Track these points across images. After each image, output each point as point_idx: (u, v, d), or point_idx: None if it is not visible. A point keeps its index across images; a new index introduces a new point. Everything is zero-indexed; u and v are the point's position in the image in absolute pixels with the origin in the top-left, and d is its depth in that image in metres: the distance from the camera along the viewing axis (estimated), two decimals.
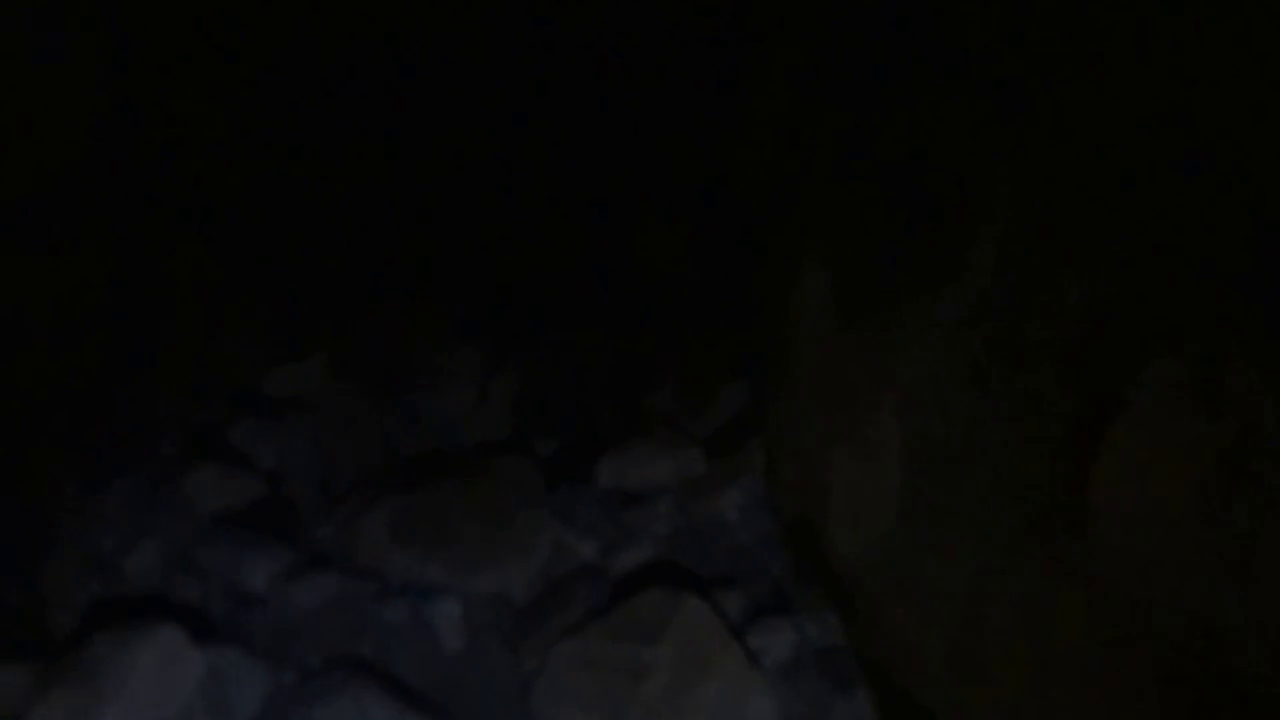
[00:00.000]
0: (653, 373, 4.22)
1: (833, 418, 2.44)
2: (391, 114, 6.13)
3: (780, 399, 2.90)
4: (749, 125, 4.18)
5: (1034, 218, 1.68)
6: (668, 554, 3.16)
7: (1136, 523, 1.43)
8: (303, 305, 5.02)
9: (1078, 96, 1.64)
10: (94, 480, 3.48)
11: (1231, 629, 1.38)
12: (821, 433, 2.49)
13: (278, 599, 3.08)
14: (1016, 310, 1.71)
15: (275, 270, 5.26)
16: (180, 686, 2.47)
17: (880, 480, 2.15)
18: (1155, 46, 1.54)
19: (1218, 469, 1.33)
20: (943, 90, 2.02)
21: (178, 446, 3.84)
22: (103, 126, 4.33)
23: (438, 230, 5.72)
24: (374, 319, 5.00)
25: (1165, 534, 1.41)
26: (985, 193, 1.91)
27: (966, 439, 1.81)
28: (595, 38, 5.59)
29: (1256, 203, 1.33)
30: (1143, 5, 1.54)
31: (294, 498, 3.70)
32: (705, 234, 4.64)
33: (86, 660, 2.42)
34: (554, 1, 5.64)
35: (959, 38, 2.00)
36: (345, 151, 6.15)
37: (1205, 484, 1.35)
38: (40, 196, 3.81)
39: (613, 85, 5.54)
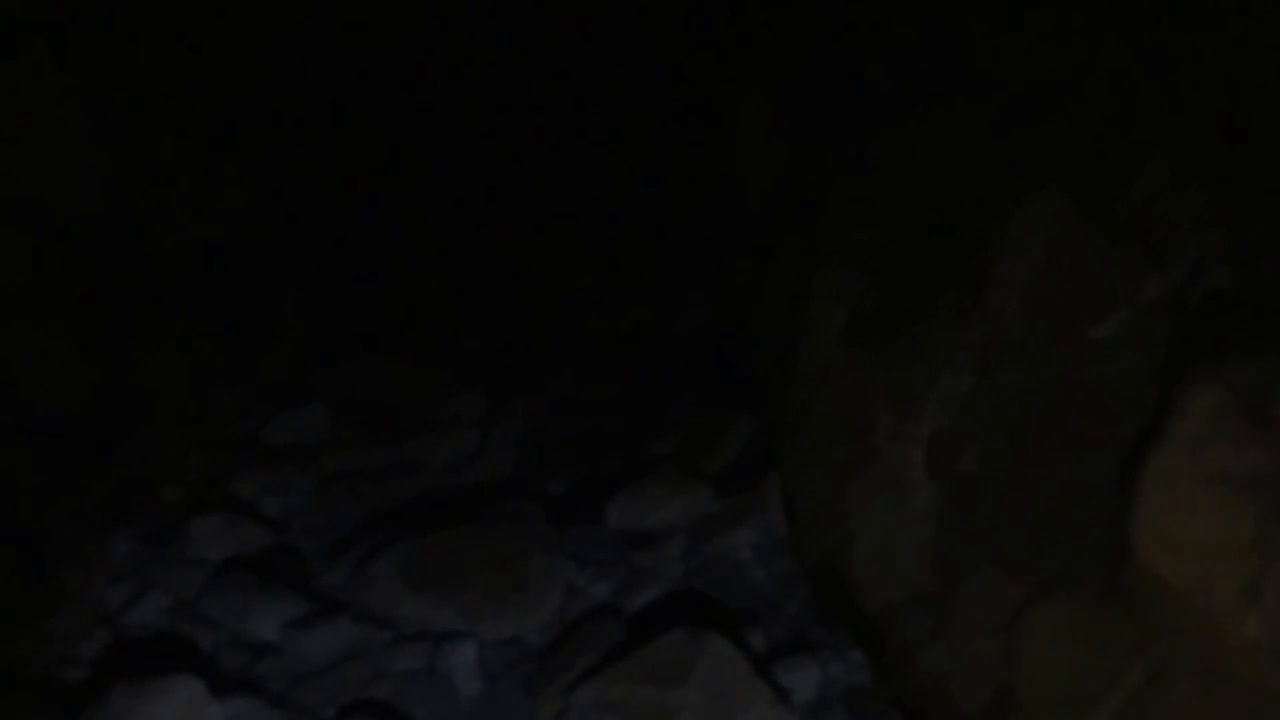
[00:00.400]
0: (657, 411, 4.22)
1: (853, 455, 2.44)
2: (387, 157, 6.16)
3: (795, 436, 2.91)
4: (752, 158, 4.22)
5: (1060, 251, 1.71)
6: (681, 594, 3.14)
7: (1181, 552, 1.44)
8: (301, 353, 5.01)
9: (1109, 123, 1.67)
10: (97, 532, 3.44)
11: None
12: (842, 470, 2.50)
13: (289, 648, 3.04)
14: (1048, 346, 1.72)
15: (273, 319, 5.26)
16: None
17: (908, 518, 2.16)
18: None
19: (1266, 496, 1.34)
20: (961, 120, 2.06)
21: (180, 497, 3.81)
22: (97, 181, 4.34)
23: (435, 273, 5.74)
24: (373, 364, 4.99)
25: (1211, 563, 1.41)
26: (1005, 228, 1.93)
27: (1003, 476, 1.82)
28: (601, 65, 5.64)
29: None
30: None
31: (299, 545, 3.67)
32: (708, 269, 4.67)
33: (104, 715, 2.38)
34: (558, 34, 5.68)
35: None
36: (340, 198, 6.18)
37: (1254, 512, 1.36)
38: (38, 254, 3.81)
39: (615, 120, 5.59)
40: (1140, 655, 1.55)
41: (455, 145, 6.42)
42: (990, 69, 2.22)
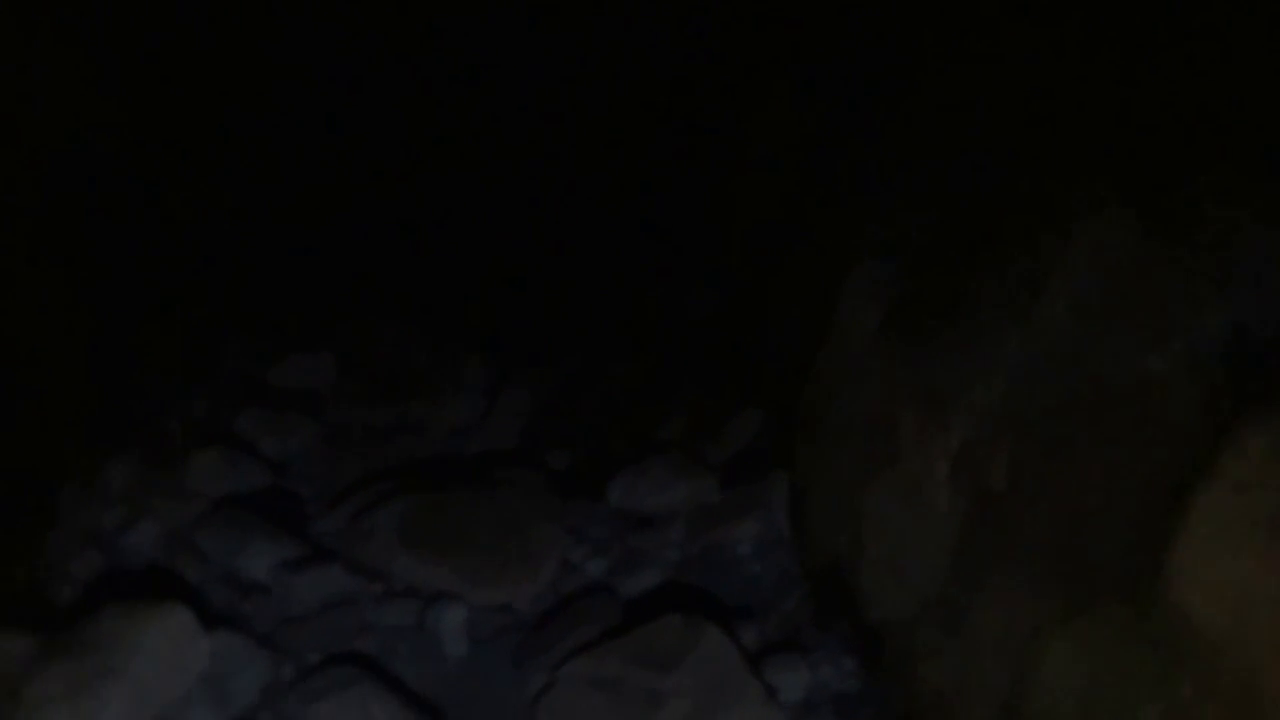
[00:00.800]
0: (663, 397, 4.20)
1: (874, 457, 2.42)
2: (403, 122, 6.12)
3: (812, 432, 2.89)
4: (772, 147, 4.18)
5: (1123, 272, 1.68)
6: (677, 580, 3.12)
7: (1219, 596, 1.41)
8: (314, 301, 4.98)
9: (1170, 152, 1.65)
10: (96, 458, 3.42)
11: None
12: (860, 471, 2.48)
13: (279, 589, 3.02)
14: (1095, 366, 1.70)
15: (287, 266, 5.23)
16: (185, 670, 2.42)
17: (926, 525, 2.13)
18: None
19: None
20: (1017, 119, 2.03)
21: (182, 430, 3.79)
22: (114, 124, 4.29)
23: (450, 240, 5.71)
24: (384, 322, 4.97)
25: (1251, 611, 1.39)
26: (1060, 244, 1.91)
27: (1030, 492, 1.80)
28: (616, 53, 5.59)
29: None
30: None
31: (297, 490, 3.66)
32: (720, 259, 4.64)
33: (92, 634, 2.36)
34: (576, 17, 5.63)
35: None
36: (363, 153, 6.14)
37: None
38: (48, 185, 3.78)
39: (634, 99, 5.55)
40: (1161, 693, 1.53)
41: (476, 120, 6.38)
42: (1042, 67, 2.18)
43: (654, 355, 4.55)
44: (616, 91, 5.86)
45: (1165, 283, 1.56)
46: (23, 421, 3.18)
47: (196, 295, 4.55)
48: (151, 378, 3.93)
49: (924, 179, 2.51)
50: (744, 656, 2.50)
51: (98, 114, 4.02)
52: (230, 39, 5.34)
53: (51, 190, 3.60)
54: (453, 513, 3.29)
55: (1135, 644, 1.55)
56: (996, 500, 1.89)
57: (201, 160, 4.91)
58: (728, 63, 4.99)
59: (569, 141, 6.18)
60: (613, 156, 5.89)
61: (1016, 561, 1.80)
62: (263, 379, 4.32)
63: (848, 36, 3.64)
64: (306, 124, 5.91)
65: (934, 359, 2.20)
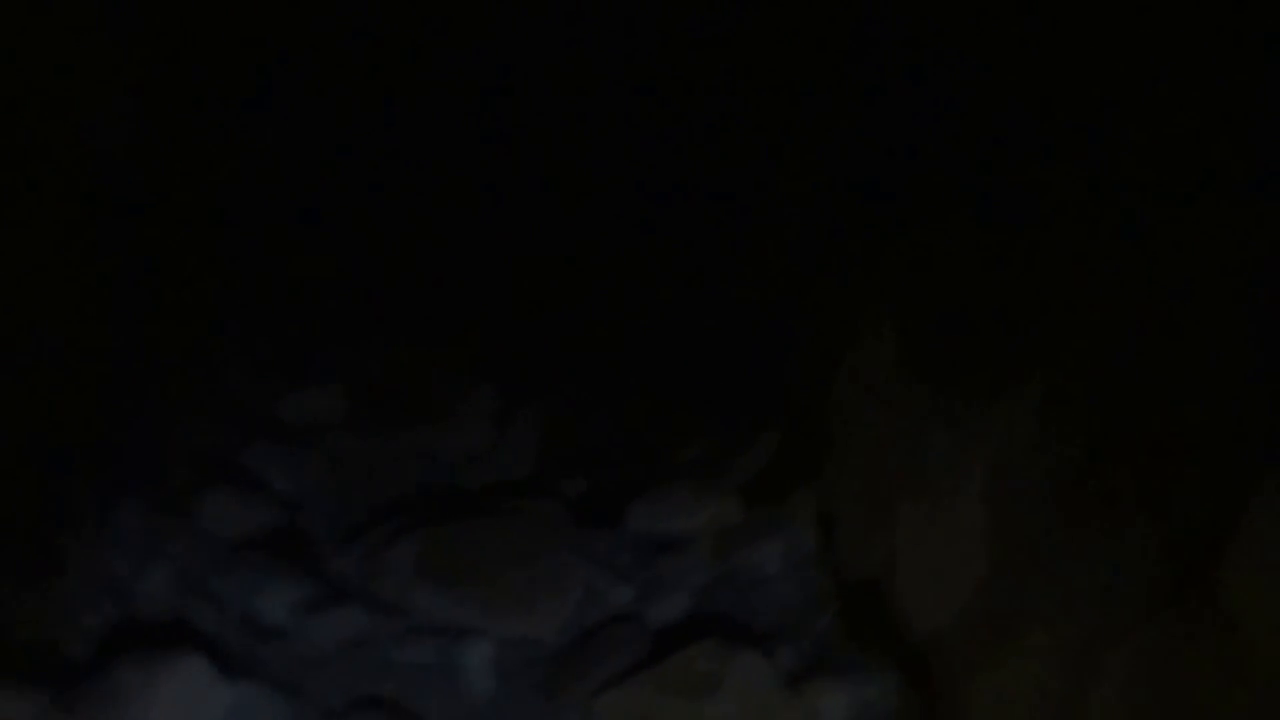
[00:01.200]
0: (682, 417, 4.13)
1: (904, 474, 2.35)
2: (415, 147, 6.08)
3: (836, 452, 2.81)
4: (794, 174, 4.13)
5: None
6: (705, 605, 3.04)
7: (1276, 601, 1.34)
8: (320, 333, 4.91)
9: None
10: (104, 502, 3.34)
11: None
12: (890, 490, 2.40)
13: (297, 632, 2.94)
14: (1127, 395, 1.64)
15: (293, 299, 5.16)
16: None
17: (962, 543, 2.06)
18: None
19: None
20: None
21: (191, 470, 3.71)
22: (120, 151, 4.24)
23: (458, 265, 5.65)
24: (391, 351, 4.90)
25: None
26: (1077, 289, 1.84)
27: (1073, 511, 1.73)
28: (641, 74, 5.54)
29: None
30: None
31: (311, 527, 3.57)
32: (738, 277, 4.57)
33: (107, 687, 2.29)
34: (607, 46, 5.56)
35: None
36: (367, 181, 6.09)
37: None
38: (57, 222, 3.73)
39: (654, 125, 5.50)
40: (1218, 706, 1.45)
41: (485, 138, 6.33)
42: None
43: (672, 374, 4.48)
44: (628, 103, 5.81)
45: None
46: (27, 466, 3.11)
47: (200, 327, 4.49)
48: (158, 415, 3.85)
49: (948, 198, 2.45)
50: (783, 679, 2.42)
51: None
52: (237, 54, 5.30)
53: (59, 228, 3.55)
54: (471, 544, 3.22)
55: (1191, 656, 1.47)
56: (1037, 515, 1.82)
57: (204, 191, 4.86)
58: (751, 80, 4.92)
59: (580, 153, 6.11)
60: (624, 170, 5.82)
61: (1061, 578, 1.72)
62: (271, 411, 4.24)
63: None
64: (311, 145, 5.86)
65: (958, 382, 2.14)
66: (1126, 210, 1.89)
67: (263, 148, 5.51)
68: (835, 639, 2.78)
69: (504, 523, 3.35)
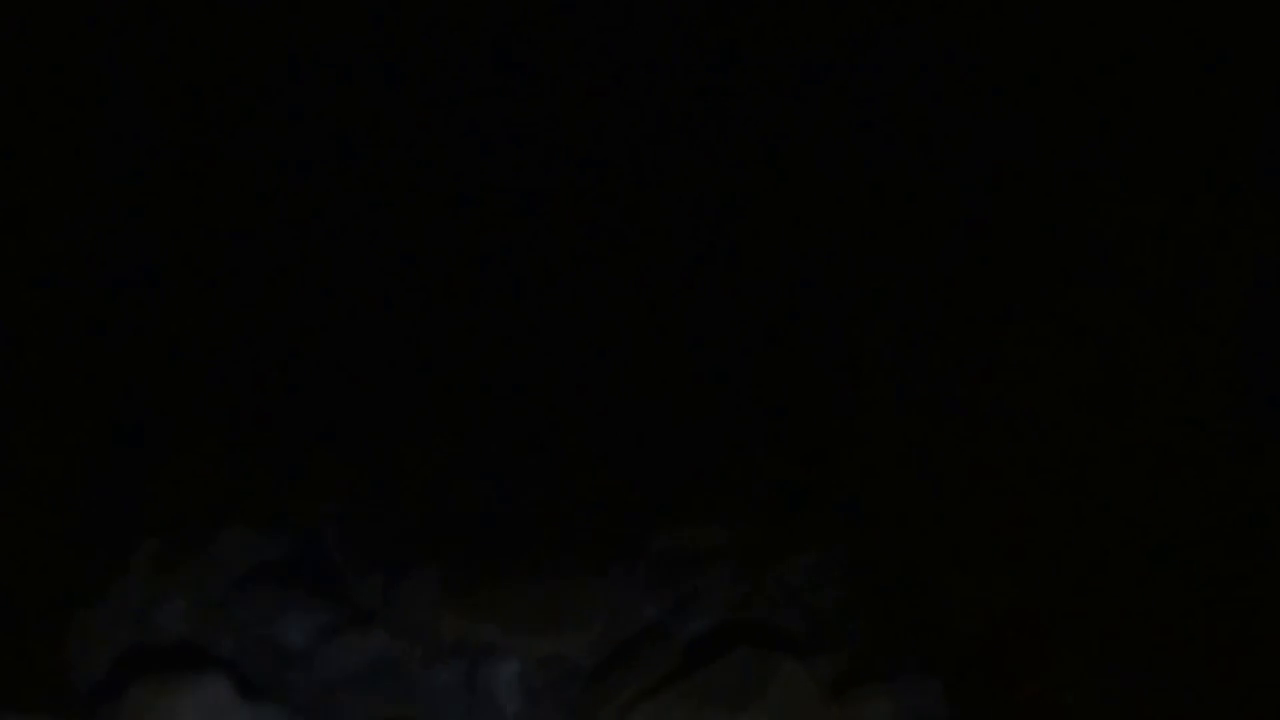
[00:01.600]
0: (702, 433, 4.06)
1: (939, 475, 2.27)
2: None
3: (865, 459, 2.74)
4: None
5: None
6: (736, 617, 2.96)
7: None
8: (343, 370, 4.86)
9: None
10: (122, 532, 3.29)
11: None
12: (924, 491, 2.32)
13: (320, 656, 2.87)
14: None
15: (305, 342, 5.12)
16: None
17: (1004, 537, 1.98)
18: None
19: None
20: None
21: (211, 498, 3.66)
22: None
23: (474, 305, 5.60)
24: (412, 388, 4.84)
25: None
26: None
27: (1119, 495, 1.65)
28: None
29: None
30: None
31: (332, 554, 3.51)
32: (750, 295, 4.51)
33: (125, 710, 2.21)
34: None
35: None
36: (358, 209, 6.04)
37: None
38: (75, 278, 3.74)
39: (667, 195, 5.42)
40: None
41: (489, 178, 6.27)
42: None
43: (690, 392, 4.41)
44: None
45: None
46: (48, 499, 3.08)
47: (218, 360, 4.46)
48: (177, 447, 3.81)
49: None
50: (825, 688, 2.33)
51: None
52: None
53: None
54: (495, 565, 3.15)
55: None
56: (1076, 503, 1.74)
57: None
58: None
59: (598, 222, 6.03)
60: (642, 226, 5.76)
61: (1111, 565, 1.64)
62: (290, 442, 4.19)
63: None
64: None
65: (979, 352, 2.07)
66: None
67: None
68: (875, 647, 2.70)
69: (529, 542, 3.28)
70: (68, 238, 3.80)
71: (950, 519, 2.26)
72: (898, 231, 3.32)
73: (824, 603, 2.96)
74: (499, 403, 4.49)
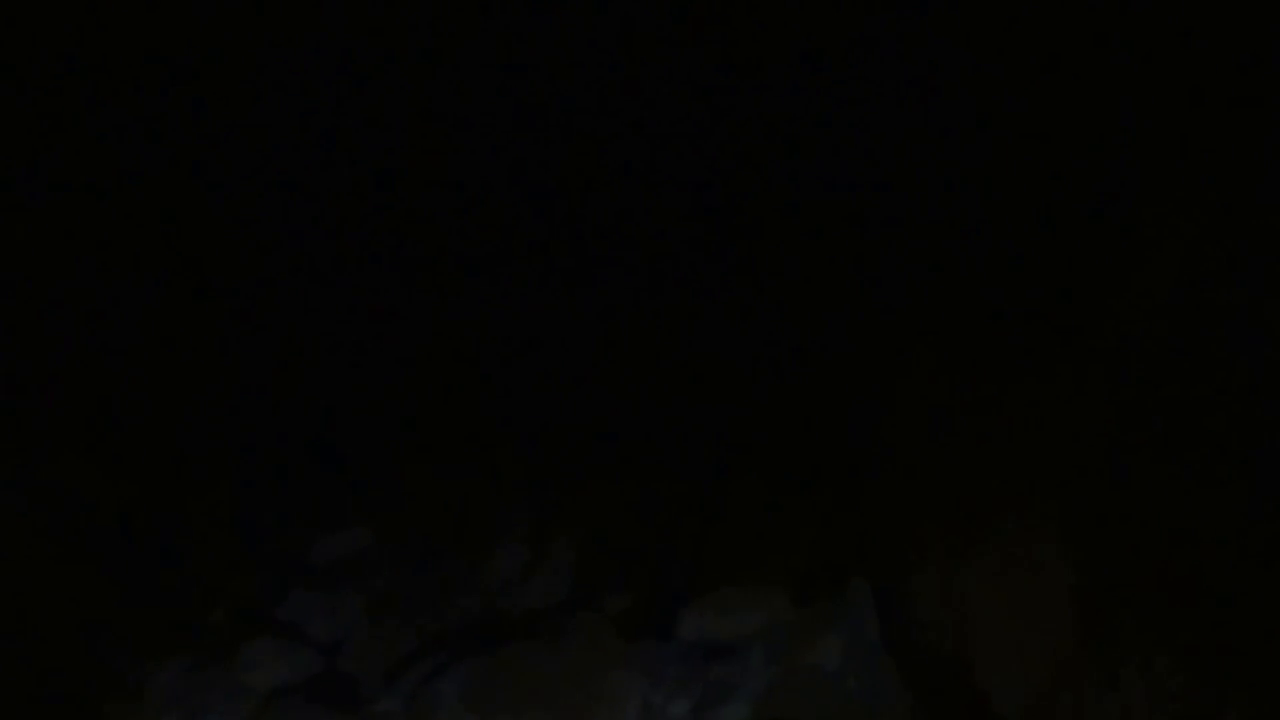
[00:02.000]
0: (722, 515, 4.02)
1: (969, 534, 2.24)
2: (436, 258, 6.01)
3: (892, 534, 2.71)
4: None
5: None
6: (766, 709, 2.91)
7: None
8: (347, 470, 4.86)
9: None
10: (144, 657, 3.27)
11: None
12: (955, 566, 2.29)
13: None
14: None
15: (319, 437, 5.13)
16: None
17: (1043, 609, 1.95)
18: None
19: None
20: None
21: (227, 619, 3.64)
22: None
23: (480, 387, 5.60)
24: (419, 480, 4.83)
25: None
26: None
27: (1162, 553, 1.63)
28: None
29: None
30: None
31: (352, 670, 3.47)
32: (764, 362, 4.50)
33: None
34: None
35: None
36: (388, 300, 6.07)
37: None
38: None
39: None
40: None
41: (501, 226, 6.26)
42: None
43: (705, 474, 4.38)
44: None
45: None
46: (63, 631, 3.06)
47: (229, 477, 4.46)
48: (192, 568, 3.80)
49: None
50: None
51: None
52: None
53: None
54: (518, 670, 3.10)
55: None
56: (1123, 567, 1.72)
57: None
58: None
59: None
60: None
61: (1157, 639, 1.61)
62: (302, 555, 4.18)
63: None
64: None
65: (1016, 421, 2.06)
66: None
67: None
68: None
69: (550, 643, 3.23)
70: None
71: (985, 598, 2.22)
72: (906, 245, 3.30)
73: (860, 686, 2.90)
74: (502, 493, 4.48)
